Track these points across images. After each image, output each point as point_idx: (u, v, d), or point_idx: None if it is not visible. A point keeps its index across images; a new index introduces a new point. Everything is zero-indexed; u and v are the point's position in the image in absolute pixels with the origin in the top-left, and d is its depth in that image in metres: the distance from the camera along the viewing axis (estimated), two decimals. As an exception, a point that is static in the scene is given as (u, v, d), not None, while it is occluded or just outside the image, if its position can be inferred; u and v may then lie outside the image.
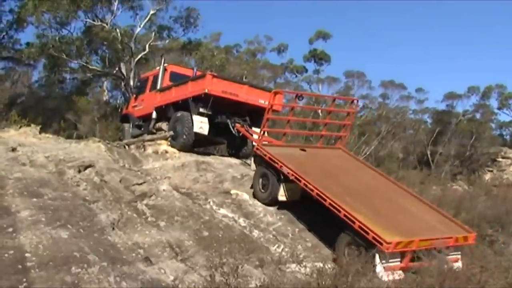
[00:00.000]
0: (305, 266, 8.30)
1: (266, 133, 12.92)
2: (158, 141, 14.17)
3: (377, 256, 8.22)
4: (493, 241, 11.37)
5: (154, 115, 15.77)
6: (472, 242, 9.38)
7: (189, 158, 13.34)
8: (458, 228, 9.54)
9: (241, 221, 10.15)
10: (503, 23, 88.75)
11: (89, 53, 26.86)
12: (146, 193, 10.38)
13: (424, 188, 17.06)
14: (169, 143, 14.05)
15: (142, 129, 16.39)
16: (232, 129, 14.21)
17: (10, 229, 7.37)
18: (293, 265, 8.46)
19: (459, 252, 9.24)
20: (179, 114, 14.35)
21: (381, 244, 8.10)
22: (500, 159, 33.03)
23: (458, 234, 9.24)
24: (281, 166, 10.62)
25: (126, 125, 17.63)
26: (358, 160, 13.10)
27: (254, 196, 11.46)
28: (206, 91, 13.51)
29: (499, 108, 40.35)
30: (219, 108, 14.11)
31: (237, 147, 15.39)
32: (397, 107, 40.52)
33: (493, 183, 23.01)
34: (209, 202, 10.73)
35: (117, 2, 25.60)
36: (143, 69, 27.90)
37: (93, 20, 25.29)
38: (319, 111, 29.72)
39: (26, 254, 6.76)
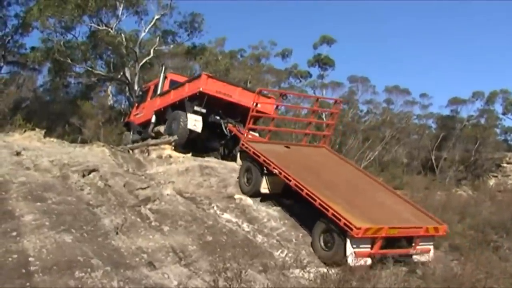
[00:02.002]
0: (309, 272, 8.30)
1: (256, 131, 13.79)
2: (162, 146, 14.21)
3: (348, 241, 8.62)
4: (498, 247, 11.33)
5: (153, 119, 16.54)
6: (443, 233, 9.84)
7: (193, 162, 13.35)
8: (430, 220, 9.94)
9: (245, 226, 10.13)
10: (508, 27, 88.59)
11: (93, 57, 26.97)
12: (150, 198, 10.37)
13: (429, 193, 17.02)
14: (172, 148, 14.14)
15: (142, 134, 17.06)
16: (224, 129, 14.96)
17: (14, 233, 7.36)
18: (297, 271, 8.43)
19: (431, 243, 9.75)
20: (175, 113, 15.05)
21: (351, 229, 8.49)
22: (505, 165, 32.91)
23: (429, 224, 9.64)
24: (264, 160, 11.13)
25: (128, 133, 18.55)
26: (341, 158, 13.47)
27: (240, 189, 11.95)
28: (201, 89, 14.24)
29: (503, 113, 40.18)
30: (213, 108, 14.85)
31: (230, 149, 15.95)
32: (401, 112, 40.56)
33: (497, 189, 22.88)
34: (213, 207, 10.72)
35: (122, 7, 25.71)
36: (147, 73, 28.02)
37: (98, 25, 25.39)
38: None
39: (30, 258, 6.74)
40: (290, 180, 10.27)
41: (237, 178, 12.27)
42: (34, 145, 12.78)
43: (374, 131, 36.37)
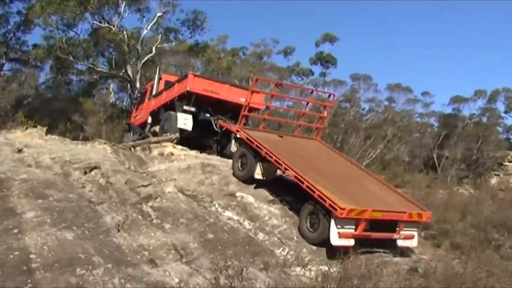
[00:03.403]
0: (310, 270, 8.30)
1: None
2: (164, 143, 14.22)
3: (332, 221, 8.97)
4: (500, 246, 11.35)
5: (149, 120, 17.09)
6: (426, 220, 10.25)
7: (195, 160, 13.34)
8: (415, 207, 10.24)
9: (246, 224, 10.13)
10: (510, 25, 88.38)
11: (96, 55, 27.00)
12: (151, 195, 10.37)
13: (430, 191, 17.01)
14: (174, 146, 14.18)
15: (141, 135, 17.45)
16: (214, 126, 15.30)
17: (16, 230, 7.38)
18: (298, 269, 8.45)
19: (415, 229, 10.10)
20: (166, 113, 15.52)
21: (335, 210, 8.84)
22: (507, 163, 32.82)
23: (413, 210, 9.95)
24: (257, 146, 11.50)
25: (128, 134, 19.11)
26: (333, 150, 13.95)
27: (233, 174, 12.35)
28: (188, 89, 14.71)
29: (506, 112, 39.99)
30: (203, 106, 15.29)
31: (223, 145, 16.21)
32: (403, 110, 40.37)
33: (499, 187, 22.90)
34: (214, 205, 10.72)
35: (124, 4, 25.68)
36: (149, 71, 27.97)
37: (100, 22, 25.38)
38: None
39: (31, 256, 6.75)
40: (280, 165, 10.69)
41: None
42: (35, 142, 12.77)
43: (376, 129, 36.27)
